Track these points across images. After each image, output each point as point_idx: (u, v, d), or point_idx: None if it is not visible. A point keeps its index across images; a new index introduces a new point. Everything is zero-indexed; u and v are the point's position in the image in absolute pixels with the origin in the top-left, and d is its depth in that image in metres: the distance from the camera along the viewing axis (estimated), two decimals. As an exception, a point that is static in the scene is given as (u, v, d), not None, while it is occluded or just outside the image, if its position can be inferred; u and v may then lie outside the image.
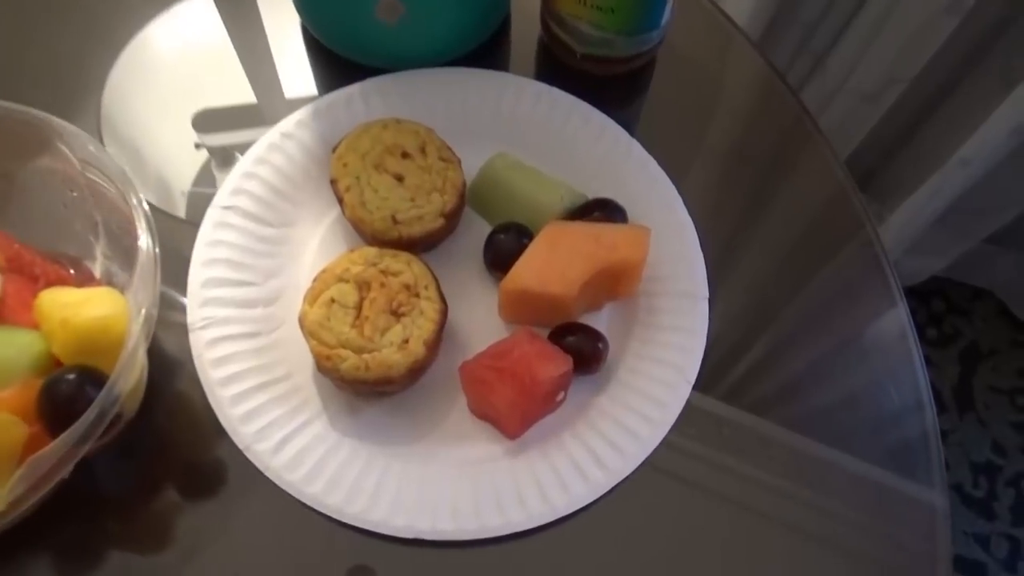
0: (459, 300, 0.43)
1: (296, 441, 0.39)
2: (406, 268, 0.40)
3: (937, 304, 1.19)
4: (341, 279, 0.39)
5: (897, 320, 0.44)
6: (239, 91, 0.50)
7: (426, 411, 0.41)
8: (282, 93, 0.50)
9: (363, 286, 0.39)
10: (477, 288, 0.44)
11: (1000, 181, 0.90)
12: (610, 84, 0.51)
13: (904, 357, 0.43)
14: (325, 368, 0.38)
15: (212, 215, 0.43)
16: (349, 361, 0.38)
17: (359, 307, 0.39)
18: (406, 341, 0.38)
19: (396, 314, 0.39)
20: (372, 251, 0.41)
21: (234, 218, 0.44)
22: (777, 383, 0.44)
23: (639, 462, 0.39)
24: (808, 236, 0.48)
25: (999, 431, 1.11)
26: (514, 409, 0.39)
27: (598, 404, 0.41)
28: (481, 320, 0.43)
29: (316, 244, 0.45)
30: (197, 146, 0.47)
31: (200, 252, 0.42)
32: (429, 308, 0.39)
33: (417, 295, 0.40)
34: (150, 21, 0.50)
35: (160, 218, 0.39)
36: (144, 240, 0.35)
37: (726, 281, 0.45)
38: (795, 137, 0.51)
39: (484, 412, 0.41)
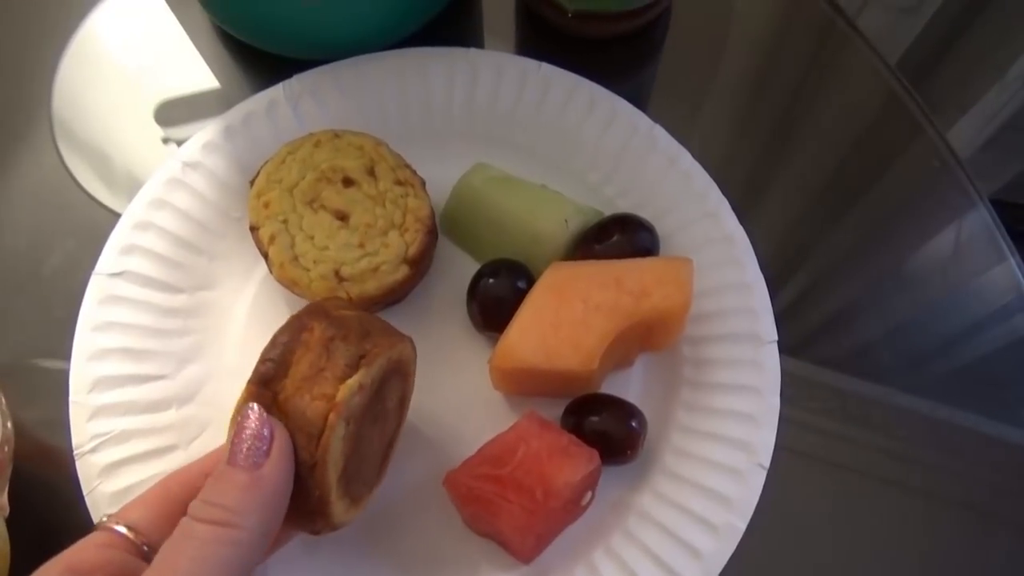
0: (438, 370, 0.32)
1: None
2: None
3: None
4: None
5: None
6: (200, 76, 0.41)
7: (408, 529, 0.30)
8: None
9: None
10: (462, 350, 0.33)
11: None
12: (613, 50, 0.40)
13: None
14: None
15: (96, 288, 0.32)
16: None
17: None
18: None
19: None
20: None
21: (127, 288, 0.32)
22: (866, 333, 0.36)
23: (702, 589, 0.28)
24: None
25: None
26: (526, 534, 0.28)
27: (637, 505, 0.30)
28: (470, 395, 0.32)
29: (245, 310, 0.34)
30: (165, 141, 0.39)
31: (83, 342, 0.31)
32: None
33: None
34: (93, 8, 0.41)
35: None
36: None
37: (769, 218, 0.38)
38: (840, 59, 0.41)
39: (485, 531, 0.30)
